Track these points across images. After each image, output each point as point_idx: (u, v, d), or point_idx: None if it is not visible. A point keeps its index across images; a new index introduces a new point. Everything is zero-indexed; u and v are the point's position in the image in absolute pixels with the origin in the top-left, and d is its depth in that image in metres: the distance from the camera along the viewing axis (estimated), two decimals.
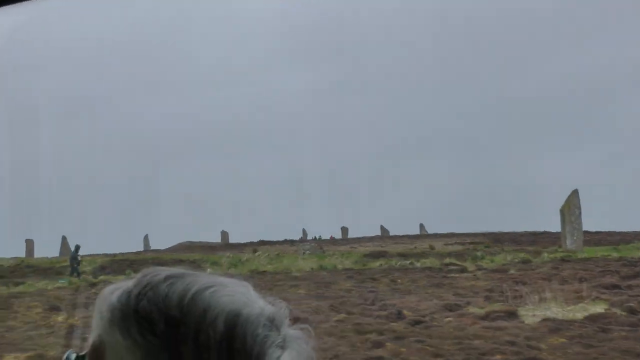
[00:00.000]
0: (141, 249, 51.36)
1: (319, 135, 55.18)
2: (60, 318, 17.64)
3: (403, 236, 47.50)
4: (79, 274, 27.37)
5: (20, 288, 23.23)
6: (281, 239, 51.25)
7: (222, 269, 27.60)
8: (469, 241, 39.65)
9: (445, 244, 38.28)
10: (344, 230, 50.28)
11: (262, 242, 46.91)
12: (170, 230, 55.58)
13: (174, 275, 1.02)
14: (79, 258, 28.54)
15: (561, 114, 57.09)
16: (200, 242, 55.09)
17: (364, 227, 55.99)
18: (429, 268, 24.04)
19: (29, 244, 48.06)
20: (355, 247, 38.27)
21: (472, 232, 45.52)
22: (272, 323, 1.00)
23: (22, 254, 47.19)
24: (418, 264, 25.91)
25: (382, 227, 49.05)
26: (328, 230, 53.28)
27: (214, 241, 53.93)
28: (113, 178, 52.80)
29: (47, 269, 30.05)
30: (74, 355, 1.05)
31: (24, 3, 1.89)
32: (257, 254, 31.84)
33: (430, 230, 49.94)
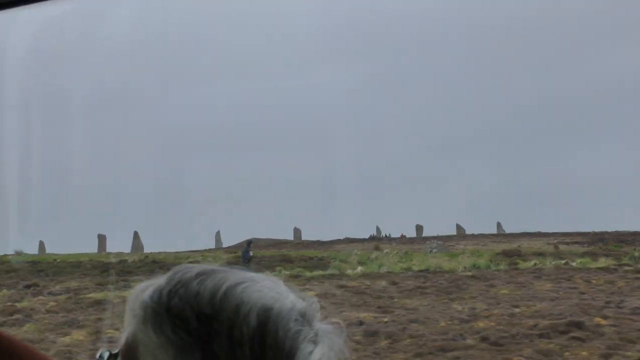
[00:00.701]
0: (212, 246, 50.57)
1: (364, 133, 54.53)
2: None
3: (478, 235, 46.71)
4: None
5: None
6: (354, 236, 50.71)
7: (352, 266, 26.95)
8: (569, 240, 38.94)
9: (548, 244, 37.54)
10: (419, 228, 49.46)
11: (348, 240, 46.17)
12: (235, 227, 54.52)
13: (205, 272, 1.02)
14: (251, 253, 27.61)
15: (607, 111, 56.69)
16: (268, 238, 54.32)
17: (433, 225, 55.46)
18: (603, 268, 23.19)
19: (102, 239, 47.38)
20: (452, 246, 37.50)
21: (558, 231, 44.85)
22: (304, 317, 1.00)
23: (94, 249, 46.52)
24: (574, 264, 25.16)
25: (457, 226, 48.22)
26: (384, 227, 52.77)
27: (281, 238, 53.19)
28: (177, 174, 51.93)
29: (173, 264, 29.17)
30: (107, 354, 1.05)
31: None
32: (385, 251, 31.03)
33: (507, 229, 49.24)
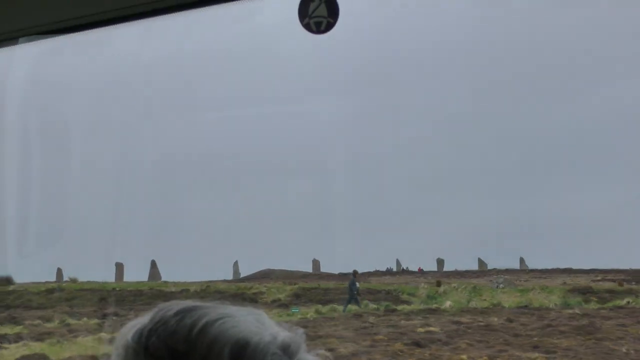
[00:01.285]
0: (230, 276, 49.02)
1: (360, 161, 54.28)
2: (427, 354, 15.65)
3: (504, 270, 46.10)
4: (358, 302, 25.38)
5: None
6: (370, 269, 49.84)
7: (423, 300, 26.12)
8: (611, 277, 38.63)
9: (594, 280, 37.13)
10: (440, 262, 48.76)
11: (380, 273, 45.20)
12: (250, 257, 53.01)
13: (185, 309, 1.01)
14: (358, 285, 26.33)
15: (606, 145, 57.50)
16: (280, 269, 53.13)
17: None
18: None
19: (119, 267, 45.65)
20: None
21: (586, 268, 44.60)
22: (285, 351, 0.96)
23: (111, 278, 44.85)
24: None
25: (479, 260, 47.57)
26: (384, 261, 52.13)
27: (296, 269, 51.95)
28: (195, 201, 50.74)
29: (236, 295, 27.99)
30: None
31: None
32: (452, 285, 30.11)
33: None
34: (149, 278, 44.93)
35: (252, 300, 27.21)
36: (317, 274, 48.84)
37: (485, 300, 25.94)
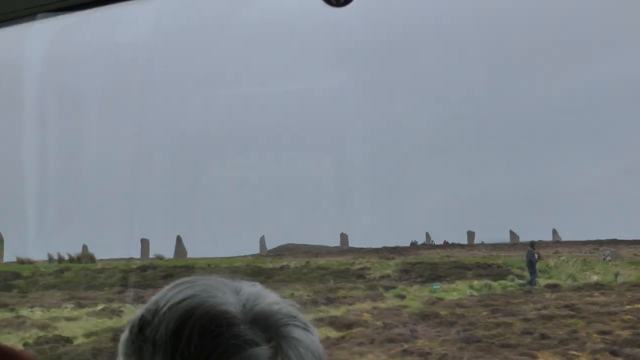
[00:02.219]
0: (257, 250, 48.07)
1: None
2: None
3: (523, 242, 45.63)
4: (534, 277, 23.99)
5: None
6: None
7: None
8: None
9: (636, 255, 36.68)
10: (470, 235, 48.21)
11: (423, 246, 44.51)
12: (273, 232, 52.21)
13: (182, 282, 0.96)
14: (537, 257, 25.14)
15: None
16: (304, 244, 52.34)
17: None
18: None
19: (145, 243, 44.54)
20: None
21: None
22: (258, 323, 0.88)
23: (137, 254, 43.89)
24: None
25: (511, 232, 47.07)
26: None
27: (324, 244, 51.08)
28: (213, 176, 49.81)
29: (340, 271, 27.14)
30: None
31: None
32: (561, 258, 29.27)
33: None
34: (174, 255, 44.02)
35: (359, 276, 26.34)
36: (346, 248, 48.04)
37: (599, 273, 25.07)
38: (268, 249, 50.67)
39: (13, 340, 14.93)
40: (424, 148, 57.33)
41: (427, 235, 49.17)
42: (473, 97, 55.28)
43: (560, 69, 59.15)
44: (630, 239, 42.62)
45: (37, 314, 18.40)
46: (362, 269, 27.71)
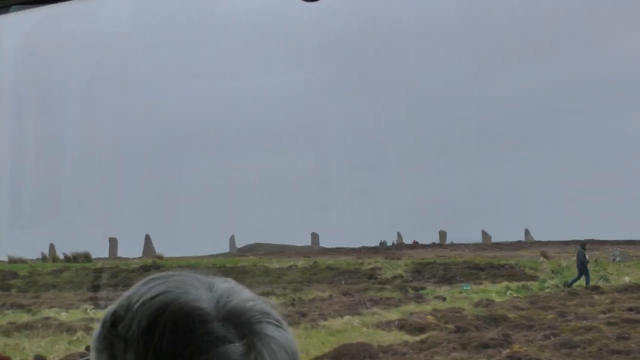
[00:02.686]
0: (227, 249, 46.79)
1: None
2: None
3: (504, 242, 45.96)
4: (589, 278, 23.15)
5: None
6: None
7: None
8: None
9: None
10: (442, 234, 48.15)
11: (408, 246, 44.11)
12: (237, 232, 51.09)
13: (156, 277, 0.95)
14: (588, 258, 24.35)
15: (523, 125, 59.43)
16: (269, 243, 51.35)
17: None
18: None
19: (113, 242, 42.67)
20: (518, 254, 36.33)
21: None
22: (231, 320, 0.87)
23: (105, 253, 42.14)
24: None
25: (483, 233, 47.26)
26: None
27: (292, 244, 50.16)
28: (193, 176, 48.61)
29: (351, 271, 26.22)
30: None
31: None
32: (572, 259, 28.99)
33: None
34: (143, 253, 42.38)
35: (370, 276, 25.65)
36: (318, 248, 47.13)
37: (613, 274, 25.02)
38: (242, 245, 49.72)
39: (61, 345, 13.56)
40: (389, 149, 57.12)
41: (399, 234, 48.93)
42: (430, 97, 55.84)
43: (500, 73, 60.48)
44: (616, 239, 43.45)
45: (63, 315, 16.86)
46: (372, 269, 27.11)
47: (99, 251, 40.94)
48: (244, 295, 0.91)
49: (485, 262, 28.35)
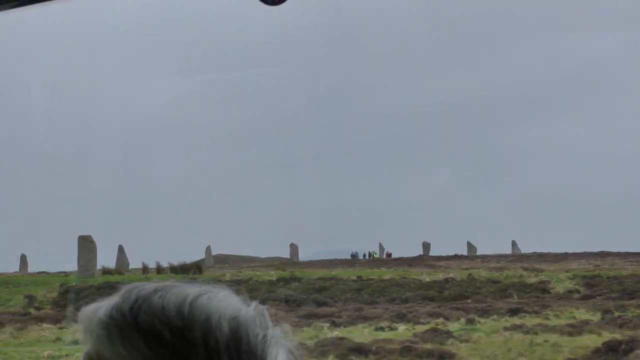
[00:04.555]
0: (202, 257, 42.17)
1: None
2: None
3: (495, 255, 45.16)
4: None
5: None
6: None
7: None
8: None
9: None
10: (426, 246, 46.21)
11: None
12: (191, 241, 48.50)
13: (162, 287, 1.05)
14: None
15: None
16: (234, 255, 47.94)
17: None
18: None
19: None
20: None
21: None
22: (262, 323, 1.06)
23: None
24: None
25: (469, 244, 45.86)
26: None
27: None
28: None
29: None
30: None
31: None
32: None
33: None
34: (116, 264, 37.06)
35: (543, 290, 23.34)
36: (297, 260, 43.73)
37: None
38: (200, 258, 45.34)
39: None
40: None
41: (380, 245, 46.48)
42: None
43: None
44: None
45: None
46: (541, 282, 25.06)
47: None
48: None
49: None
